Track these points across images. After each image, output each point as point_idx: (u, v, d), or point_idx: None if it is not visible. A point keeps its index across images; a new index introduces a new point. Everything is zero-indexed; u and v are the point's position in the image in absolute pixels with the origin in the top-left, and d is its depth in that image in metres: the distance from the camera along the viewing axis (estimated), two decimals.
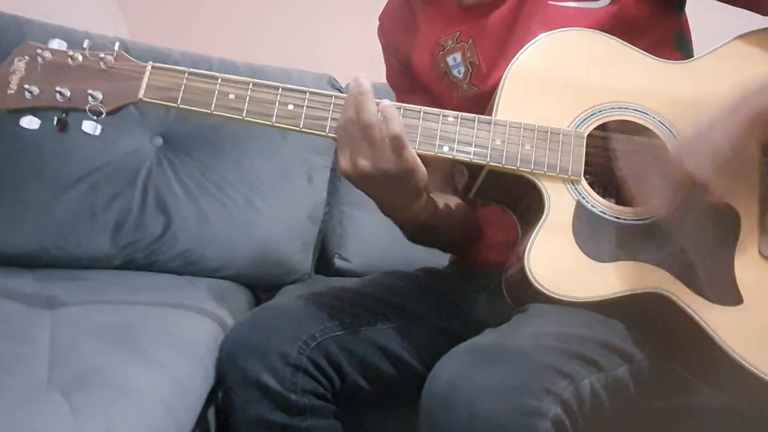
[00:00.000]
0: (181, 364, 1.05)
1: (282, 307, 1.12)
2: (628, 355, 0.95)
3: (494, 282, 1.12)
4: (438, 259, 1.32)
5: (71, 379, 0.93)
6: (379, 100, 0.97)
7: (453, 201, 1.17)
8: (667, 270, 0.96)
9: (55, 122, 1.01)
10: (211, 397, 1.10)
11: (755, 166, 0.99)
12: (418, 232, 1.13)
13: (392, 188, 0.99)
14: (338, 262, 1.73)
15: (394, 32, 1.25)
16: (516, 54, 1.04)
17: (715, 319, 0.94)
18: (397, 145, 0.95)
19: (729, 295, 0.96)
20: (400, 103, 1.00)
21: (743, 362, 0.93)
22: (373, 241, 1.69)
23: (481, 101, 1.09)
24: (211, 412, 1.11)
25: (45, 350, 1.02)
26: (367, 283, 1.23)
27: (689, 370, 1.00)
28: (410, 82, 1.24)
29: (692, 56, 1.16)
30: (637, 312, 0.96)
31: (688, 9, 1.14)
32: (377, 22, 1.29)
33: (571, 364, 0.88)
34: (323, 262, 1.75)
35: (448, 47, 1.17)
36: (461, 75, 1.16)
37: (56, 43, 1.02)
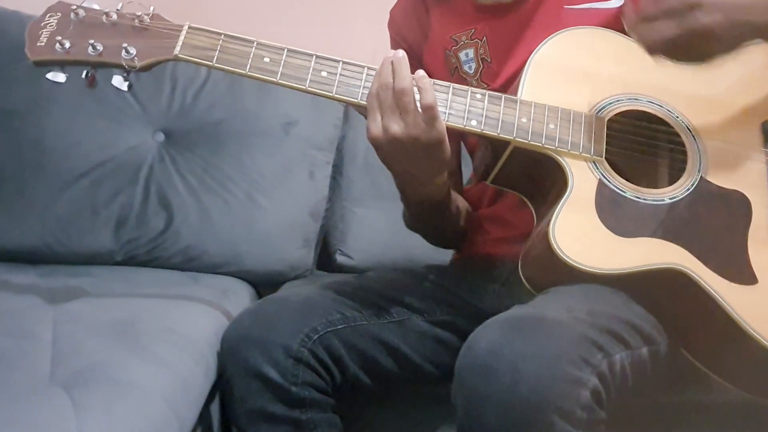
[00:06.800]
0: (182, 360, 1.05)
1: (284, 300, 1.12)
2: (649, 337, 0.96)
3: (506, 272, 1.13)
4: (440, 255, 1.32)
5: (73, 375, 0.94)
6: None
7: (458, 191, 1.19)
8: (685, 248, 0.98)
9: (84, 75, 1.02)
10: (213, 393, 1.10)
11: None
12: (427, 213, 1.14)
13: (419, 157, 1.00)
14: (340, 258, 1.72)
15: (406, 28, 1.26)
16: (525, 54, 1.07)
17: (731, 296, 0.96)
18: (430, 115, 0.97)
19: (744, 274, 0.98)
20: (430, 78, 1.01)
21: (760, 338, 0.94)
22: (375, 237, 1.69)
23: None
24: (213, 408, 1.12)
25: (47, 346, 1.02)
26: (369, 277, 1.23)
27: (701, 355, 1.01)
28: None
29: None
30: (655, 289, 0.97)
31: None
32: (380, 17, 1.29)
33: (604, 339, 0.89)
34: (325, 258, 1.74)
35: (462, 43, 1.18)
36: (471, 71, 1.18)
37: (88, 2, 1.04)
